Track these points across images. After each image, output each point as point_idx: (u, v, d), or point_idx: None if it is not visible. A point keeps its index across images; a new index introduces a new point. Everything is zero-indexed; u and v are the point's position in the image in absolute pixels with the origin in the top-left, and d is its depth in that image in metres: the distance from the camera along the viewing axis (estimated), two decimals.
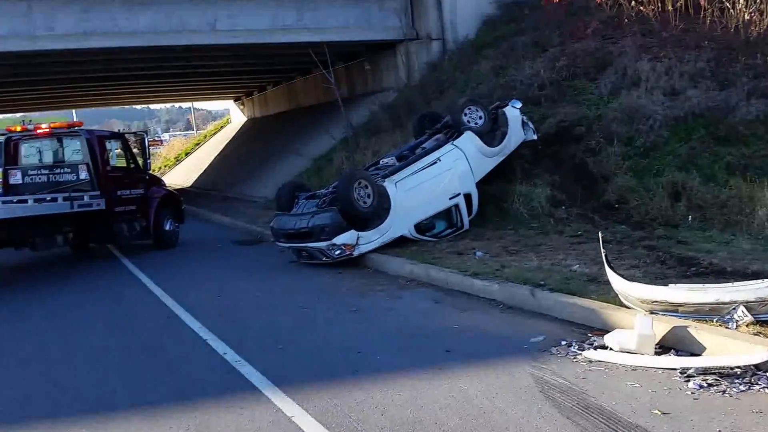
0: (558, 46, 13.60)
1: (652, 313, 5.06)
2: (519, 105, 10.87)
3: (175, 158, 41.78)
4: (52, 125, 12.12)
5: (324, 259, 9.20)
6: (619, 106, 10.89)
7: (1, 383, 5.38)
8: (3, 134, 12.47)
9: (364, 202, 9.01)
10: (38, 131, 11.90)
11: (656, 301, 5.11)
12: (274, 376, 5.00)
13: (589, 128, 10.84)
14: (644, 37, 12.47)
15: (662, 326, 4.93)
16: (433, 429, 3.94)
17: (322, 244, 8.99)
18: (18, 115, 25.59)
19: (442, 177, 9.69)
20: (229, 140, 33.66)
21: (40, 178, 11.73)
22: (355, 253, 9.00)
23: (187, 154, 40.29)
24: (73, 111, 39.97)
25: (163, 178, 15.90)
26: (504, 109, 10.69)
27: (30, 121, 16.67)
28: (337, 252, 9.00)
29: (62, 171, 11.71)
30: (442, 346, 5.42)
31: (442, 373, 4.81)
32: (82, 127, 11.95)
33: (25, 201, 10.47)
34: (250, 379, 5.00)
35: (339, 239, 8.86)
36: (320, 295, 7.64)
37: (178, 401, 4.66)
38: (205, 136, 41.84)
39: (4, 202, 10.38)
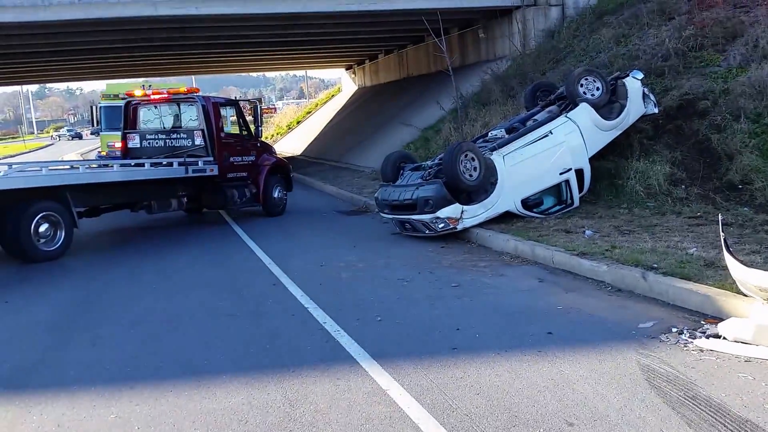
0: (685, 14, 12.81)
1: None
2: (640, 76, 10.32)
3: (287, 126, 42.87)
4: (170, 91, 12.62)
5: (427, 232, 9.15)
6: (749, 79, 10.10)
7: (111, 342, 5.65)
8: (124, 98, 13.09)
9: (470, 175, 8.85)
10: (156, 96, 12.39)
11: None
12: (372, 348, 5.03)
13: (714, 103, 10.15)
14: None
15: None
16: (531, 412, 3.84)
17: (426, 217, 8.92)
18: (140, 79, 26.85)
19: (553, 151, 9.37)
20: (339, 109, 34.13)
21: (157, 143, 12.25)
22: (459, 227, 8.88)
23: (298, 123, 41.24)
24: (193, 77, 41.65)
25: (273, 146, 16.26)
26: (624, 80, 10.18)
27: (150, 86, 17.50)
28: (441, 225, 8.91)
29: (178, 136, 12.17)
30: (543, 328, 5.27)
31: (542, 356, 4.68)
32: (198, 94, 12.33)
33: (142, 165, 10.98)
34: (348, 350, 5.05)
35: (443, 212, 8.76)
36: (421, 269, 7.58)
37: (277, 368, 4.75)
38: (317, 105, 42.62)
39: (122, 165, 10.93)
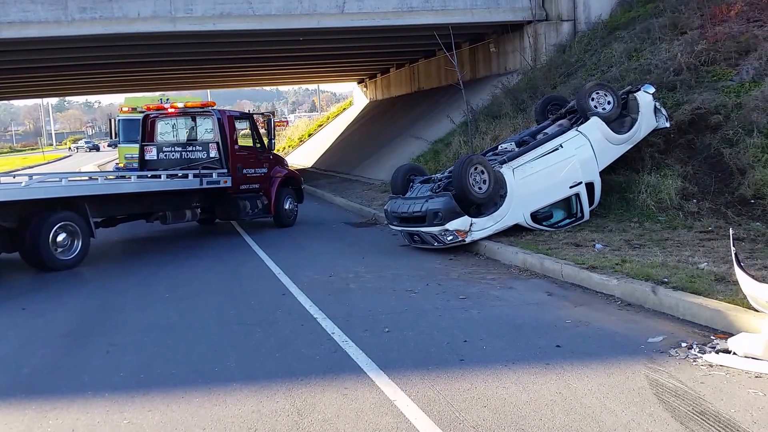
0: (698, 29, 12.83)
1: None
2: (652, 90, 10.34)
3: (298, 139, 43.09)
4: (186, 104, 12.77)
5: (435, 244, 9.16)
6: (761, 94, 10.10)
7: (125, 349, 5.70)
8: (142, 112, 13.26)
9: (480, 188, 8.87)
10: (173, 110, 12.54)
11: None
12: (379, 358, 5.03)
13: (726, 117, 10.14)
14: None
15: None
16: (538, 425, 3.83)
17: (435, 229, 8.94)
18: (157, 93, 27.20)
19: (563, 164, 9.38)
20: (350, 122, 34.29)
21: (173, 155, 12.40)
22: (468, 239, 8.89)
23: (310, 135, 41.45)
24: (208, 91, 42.00)
25: (285, 158, 16.37)
26: (635, 94, 10.19)
27: (167, 99, 17.74)
28: (450, 238, 8.92)
29: (194, 149, 12.31)
30: (552, 341, 5.26)
31: (550, 369, 4.67)
32: (214, 107, 12.49)
33: (158, 176, 11.10)
34: (356, 360, 5.06)
35: (452, 225, 8.77)
36: (429, 281, 7.59)
37: (286, 377, 4.77)
38: (328, 118, 42.84)
39: (139, 177, 11.06)
